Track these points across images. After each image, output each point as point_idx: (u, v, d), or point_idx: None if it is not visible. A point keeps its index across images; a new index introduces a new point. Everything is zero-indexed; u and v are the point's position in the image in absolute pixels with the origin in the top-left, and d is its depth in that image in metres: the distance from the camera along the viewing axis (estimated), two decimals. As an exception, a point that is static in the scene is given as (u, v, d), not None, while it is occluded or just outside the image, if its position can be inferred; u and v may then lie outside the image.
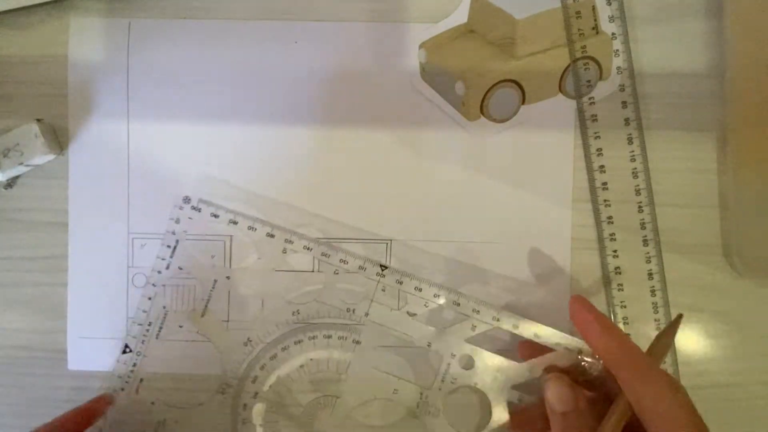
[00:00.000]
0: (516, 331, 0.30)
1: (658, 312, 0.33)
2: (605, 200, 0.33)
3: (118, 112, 0.33)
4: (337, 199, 0.33)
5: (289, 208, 0.33)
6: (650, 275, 0.33)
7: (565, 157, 0.33)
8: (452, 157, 0.33)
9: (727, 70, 0.32)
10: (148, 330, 0.30)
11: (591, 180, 0.33)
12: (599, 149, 0.33)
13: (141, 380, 0.30)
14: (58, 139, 0.33)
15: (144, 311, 0.30)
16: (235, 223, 0.30)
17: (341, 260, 0.31)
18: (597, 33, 0.32)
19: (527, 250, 0.33)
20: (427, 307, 0.30)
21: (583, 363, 0.29)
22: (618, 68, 0.33)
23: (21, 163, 0.32)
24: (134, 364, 0.30)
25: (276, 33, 0.33)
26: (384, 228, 0.33)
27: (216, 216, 0.30)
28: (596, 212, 0.33)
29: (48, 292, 0.34)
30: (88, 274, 0.33)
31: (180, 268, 0.30)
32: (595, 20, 0.32)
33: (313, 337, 0.30)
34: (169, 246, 0.30)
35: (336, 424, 0.31)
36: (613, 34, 0.33)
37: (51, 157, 0.33)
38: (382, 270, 0.30)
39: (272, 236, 0.30)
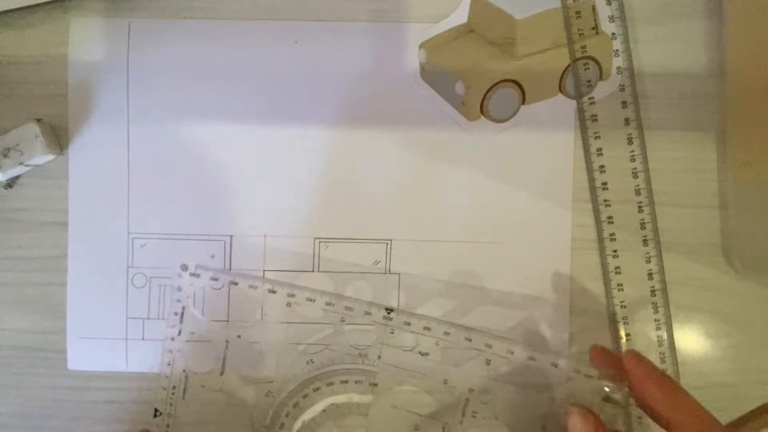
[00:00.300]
0: (533, 363, 0.30)
1: (658, 312, 0.33)
2: (605, 200, 0.33)
3: (118, 112, 0.33)
4: (336, 199, 0.33)
5: (288, 207, 0.33)
6: (650, 275, 0.33)
7: (565, 157, 0.33)
8: (452, 157, 0.33)
9: (727, 70, 0.32)
10: (173, 393, 0.31)
11: (591, 180, 0.33)
12: (599, 149, 0.33)
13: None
14: (58, 139, 0.33)
15: (166, 376, 0.31)
16: (236, 283, 0.31)
17: (346, 307, 0.31)
18: (597, 33, 0.32)
19: (527, 250, 0.33)
20: (438, 345, 0.31)
21: (606, 389, 0.28)
22: (618, 68, 0.33)
23: (21, 163, 0.32)
24: (167, 425, 0.31)
25: (276, 33, 0.33)
26: (384, 228, 0.33)
27: (215, 279, 0.31)
28: (596, 212, 0.33)
29: (48, 292, 0.34)
30: (88, 274, 0.33)
31: (192, 333, 0.31)
32: (595, 20, 0.32)
33: (331, 384, 0.31)
34: (176, 313, 0.31)
35: None
36: (613, 34, 0.33)
37: (51, 157, 0.33)
38: (389, 313, 0.31)
39: (274, 292, 0.31)
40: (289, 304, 0.31)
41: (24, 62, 0.33)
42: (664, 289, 0.33)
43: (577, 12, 0.32)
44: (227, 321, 0.32)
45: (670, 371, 0.33)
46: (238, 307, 0.32)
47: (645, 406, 0.26)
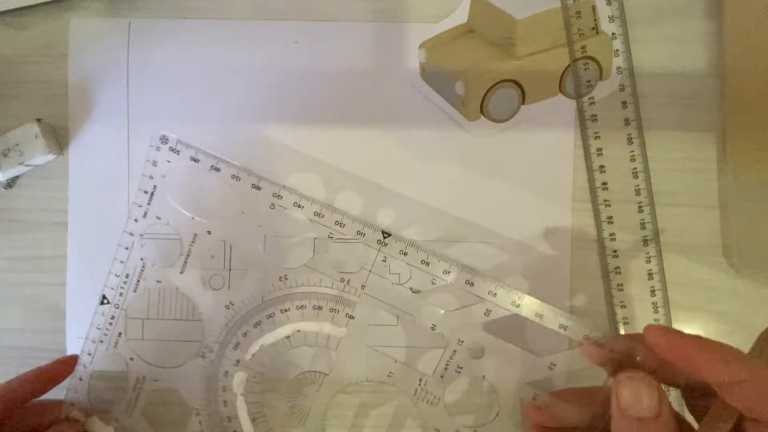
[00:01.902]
0: (540, 321, 0.26)
1: (658, 312, 0.33)
2: (605, 200, 0.33)
3: (118, 112, 0.33)
4: (336, 199, 0.33)
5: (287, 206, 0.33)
6: (650, 275, 0.33)
7: (565, 157, 0.33)
8: (452, 157, 0.33)
9: (726, 70, 0.32)
10: (125, 282, 0.28)
11: (591, 180, 0.33)
12: (599, 149, 0.33)
13: (119, 334, 0.28)
14: (58, 139, 0.33)
15: (121, 261, 0.28)
16: (218, 169, 0.27)
17: (337, 222, 0.27)
18: (597, 33, 0.32)
19: (527, 250, 0.33)
20: (434, 284, 0.27)
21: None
22: (618, 68, 0.33)
23: (21, 163, 0.32)
24: (112, 317, 0.28)
25: (276, 33, 0.33)
26: (383, 228, 0.33)
27: (196, 160, 0.27)
28: (596, 212, 0.33)
29: (48, 292, 0.34)
30: (88, 274, 0.33)
31: (158, 218, 0.28)
32: (595, 20, 0.32)
33: (302, 307, 0.27)
34: (146, 191, 0.27)
35: (323, 402, 0.28)
36: (613, 34, 0.33)
37: (51, 157, 0.33)
38: (384, 237, 0.27)
39: (258, 188, 0.27)
40: (272, 206, 0.27)
41: (24, 62, 0.33)
42: (664, 289, 0.33)
43: (577, 12, 0.32)
44: (199, 213, 0.28)
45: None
46: (215, 199, 0.28)
47: (674, 380, 0.23)
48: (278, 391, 0.29)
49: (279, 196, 0.27)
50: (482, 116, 0.33)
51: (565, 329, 0.26)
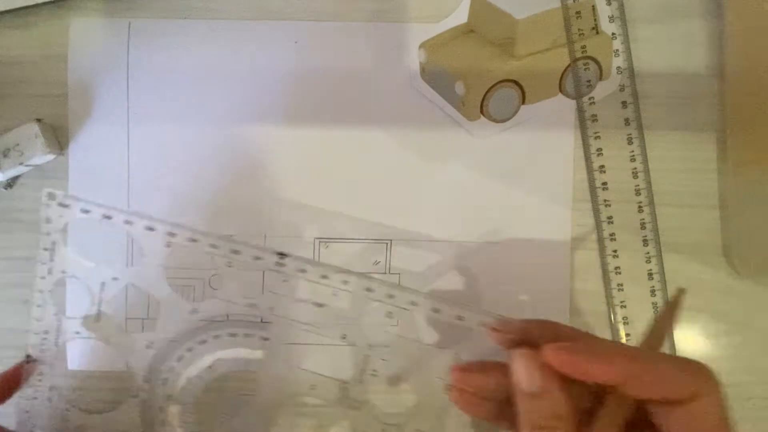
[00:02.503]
0: (437, 316, 0.27)
1: (657, 312, 0.33)
2: (605, 200, 0.33)
3: (118, 112, 0.33)
4: (336, 199, 0.33)
5: (288, 207, 0.33)
6: (650, 275, 0.33)
7: (565, 157, 0.33)
8: (452, 157, 0.33)
9: (727, 70, 0.32)
10: (45, 339, 0.28)
11: (591, 180, 0.33)
12: (599, 149, 0.33)
13: (50, 388, 0.29)
14: (58, 139, 0.33)
15: (37, 320, 0.28)
16: (109, 217, 0.27)
17: (233, 251, 0.28)
18: (597, 33, 0.32)
19: (527, 250, 0.33)
20: (336, 296, 0.28)
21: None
22: (618, 68, 0.33)
23: (21, 163, 0.32)
24: (40, 373, 0.29)
25: (276, 33, 0.33)
26: (384, 228, 0.33)
27: (86, 211, 0.28)
28: (596, 212, 0.33)
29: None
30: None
31: (63, 272, 0.28)
32: (595, 20, 0.32)
33: (217, 336, 0.28)
34: (46, 249, 0.28)
35: (254, 422, 0.29)
36: (613, 34, 0.33)
37: (51, 157, 0.33)
38: (281, 258, 0.27)
39: (152, 229, 0.27)
40: (169, 244, 0.27)
41: (24, 62, 0.33)
42: (664, 289, 0.33)
43: (577, 12, 0.32)
44: (102, 261, 0.29)
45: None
46: (113, 245, 0.29)
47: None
48: (212, 419, 0.29)
49: (173, 234, 0.27)
50: (482, 116, 0.33)
51: (462, 320, 0.27)
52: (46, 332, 0.28)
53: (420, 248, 0.33)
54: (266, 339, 0.28)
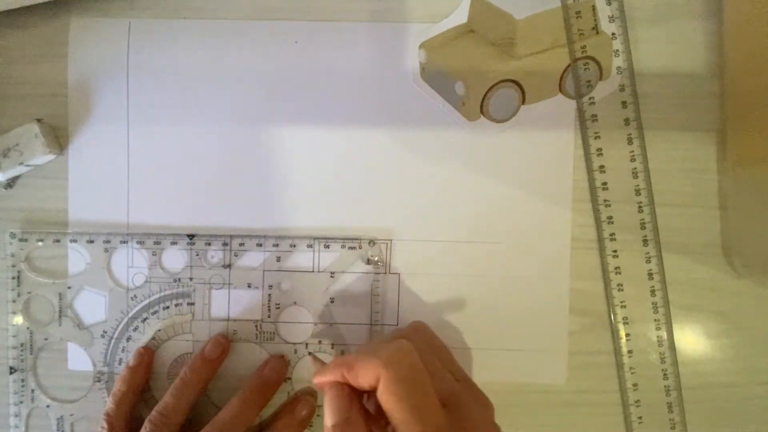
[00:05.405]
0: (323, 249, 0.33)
1: (657, 312, 0.33)
2: (605, 200, 0.33)
3: (118, 112, 0.33)
4: (337, 199, 0.33)
5: (288, 207, 0.33)
6: (650, 275, 0.33)
7: (565, 157, 0.33)
8: (452, 157, 0.33)
9: (727, 70, 0.32)
10: (23, 349, 0.34)
11: (591, 180, 0.33)
12: (599, 149, 0.33)
13: (32, 390, 0.34)
14: (58, 139, 0.33)
15: (13, 336, 0.34)
16: (58, 240, 0.33)
17: (155, 243, 0.34)
18: (597, 33, 0.32)
19: (527, 250, 0.33)
20: (237, 256, 0.34)
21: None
22: (618, 68, 0.33)
23: (21, 163, 0.32)
24: (23, 380, 0.34)
25: (276, 33, 0.33)
26: (384, 228, 0.33)
27: (41, 240, 0.33)
28: (596, 212, 0.33)
29: (48, 292, 0.34)
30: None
31: (29, 292, 0.34)
32: (595, 20, 0.32)
33: (155, 312, 0.34)
34: (13, 278, 0.33)
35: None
36: (613, 34, 0.33)
37: (51, 157, 0.33)
38: (191, 239, 0.33)
39: (91, 242, 0.33)
40: (106, 250, 0.33)
41: (24, 62, 0.33)
42: (664, 289, 0.33)
43: (577, 12, 0.32)
44: (56, 277, 0.34)
45: (669, 371, 0.33)
46: (65, 261, 0.34)
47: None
48: (165, 384, 0.34)
49: (108, 241, 0.33)
50: (482, 116, 0.33)
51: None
52: (22, 344, 0.34)
53: (420, 248, 0.33)
54: (192, 303, 0.34)
